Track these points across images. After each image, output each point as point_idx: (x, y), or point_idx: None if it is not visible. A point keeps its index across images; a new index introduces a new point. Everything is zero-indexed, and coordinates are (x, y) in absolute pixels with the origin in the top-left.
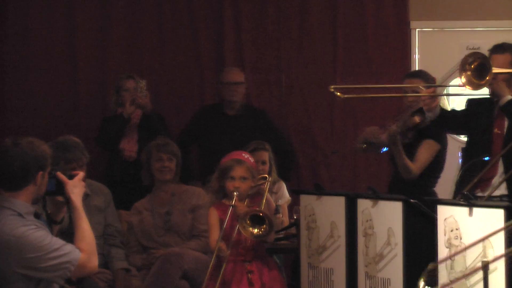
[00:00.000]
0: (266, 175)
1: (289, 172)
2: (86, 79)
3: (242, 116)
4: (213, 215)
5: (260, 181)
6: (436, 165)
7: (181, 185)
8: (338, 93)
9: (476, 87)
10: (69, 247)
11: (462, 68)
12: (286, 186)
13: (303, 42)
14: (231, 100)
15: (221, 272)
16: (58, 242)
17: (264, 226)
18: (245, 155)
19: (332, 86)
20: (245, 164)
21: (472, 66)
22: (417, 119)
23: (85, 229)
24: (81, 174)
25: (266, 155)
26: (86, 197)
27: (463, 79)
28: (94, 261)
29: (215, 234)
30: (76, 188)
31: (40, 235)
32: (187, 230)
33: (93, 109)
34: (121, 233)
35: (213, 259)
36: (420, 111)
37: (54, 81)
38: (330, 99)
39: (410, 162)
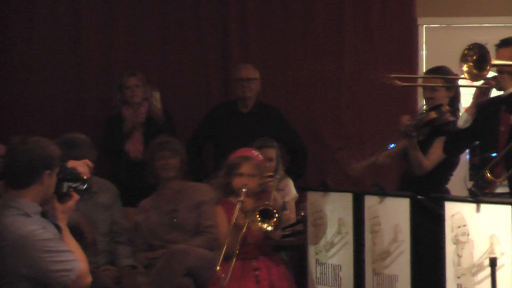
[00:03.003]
0: (272, 173)
1: (305, 169)
2: (91, 77)
3: (255, 113)
4: (219, 214)
5: (267, 179)
6: (450, 162)
7: (185, 182)
8: (399, 82)
9: (476, 78)
10: (72, 255)
11: (463, 59)
12: (293, 183)
13: (308, 39)
14: (244, 97)
15: (230, 269)
16: (63, 247)
17: (274, 220)
18: (254, 152)
19: (392, 75)
20: (254, 161)
21: (474, 58)
22: (433, 114)
23: (77, 248)
24: (75, 199)
25: (272, 152)
26: (92, 194)
27: (465, 68)
28: (89, 278)
29: (222, 230)
30: (64, 213)
31: (46, 236)
32: (193, 226)
33: (99, 108)
34: (127, 230)
35: (221, 258)
36: (437, 108)
37: (59, 80)
38: (336, 96)
39: (424, 157)
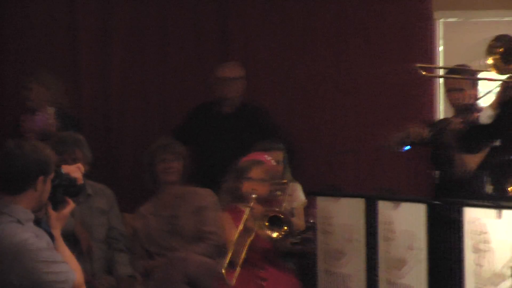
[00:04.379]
0: (285, 180)
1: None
2: (88, 78)
3: (239, 114)
4: (226, 221)
5: (279, 185)
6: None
7: (185, 187)
8: (424, 72)
9: (502, 71)
10: (67, 266)
11: (490, 51)
12: (302, 188)
13: (312, 36)
14: (225, 97)
15: (235, 275)
16: (57, 257)
17: (285, 228)
18: (267, 157)
19: (418, 64)
20: (265, 165)
21: (500, 50)
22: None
23: (71, 257)
24: (70, 206)
25: (280, 155)
26: (87, 198)
27: (490, 61)
28: None
29: (230, 239)
30: (58, 221)
31: (39, 246)
32: (193, 233)
33: (96, 109)
34: (125, 236)
35: (226, 261)
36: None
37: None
38: (344, 97)
39: (466, 157)
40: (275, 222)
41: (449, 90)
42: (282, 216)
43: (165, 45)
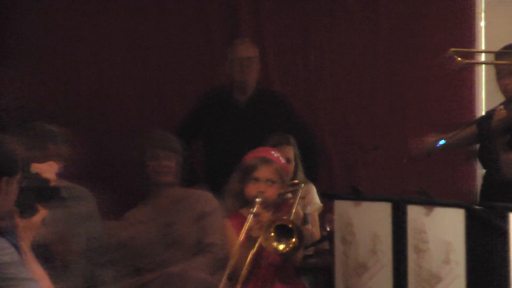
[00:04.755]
0: (297, 181)
1: (315, 172)
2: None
3: (256, 102)
4: (228, 229)
5: (290, 188)
6: None
7: (183, 189)
8: (459, 58)
9: None
10: (37, 284)
11: None
12: (316, 190)
13: (337, 14)
14: (243, 81)
15: None
16: (25, 273)
17: (293, 240)
18: (275, 154)
19: (452, 49)
20: (274, 164)
21: None
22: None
23: (43, 274)
24: (42, 213)
25: (291, 152)
26: (62, 201)
27: None
28: None
29: (231, 251)
30: (28, 231)
31: (3, 260)
32: (193, 244)
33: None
34: (109, 249)
35: (224, 278)
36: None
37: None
38: (371, 86)
39: None
40: (283, 232)
41: (498, 75)
42: (291, 226)
43: (164, 21)
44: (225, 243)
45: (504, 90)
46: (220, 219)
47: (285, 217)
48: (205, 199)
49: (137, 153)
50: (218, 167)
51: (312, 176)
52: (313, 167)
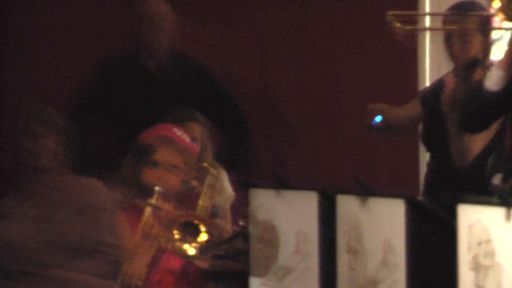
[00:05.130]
0: (207, 165)
1: (243, 157)
2: None
3: (170, 69)
4: (122, 224)
5: (195, 174)
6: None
7: (64, 175)
8: (398, 24)
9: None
10: None
11: None
12: (228, 177)
13: None
14: (151, 42)
15: None
16: None
17: (202, 240)
18: (178, 132)
19: (390, 12)
20: (177, 145)
21: None
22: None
23: None
24: None
25: (197, 129)
26: None
27: (497, 3)
28: None
29: (126, 252)
30: None
31: None
32: (76, 243)
33: None
34: None
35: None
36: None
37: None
38: (300, 56)
39: (468, 140)
40: (189, 229)
41: (447, 40)
42: (198, 222)
43: None
44: (120, 241)
45: (452, 55)
46: (112, 212)
47: (190, 213)
48: (91, 187)
49: (8, 130)
50: (122, 149)
51: (237, 163)
52: (239, 152)
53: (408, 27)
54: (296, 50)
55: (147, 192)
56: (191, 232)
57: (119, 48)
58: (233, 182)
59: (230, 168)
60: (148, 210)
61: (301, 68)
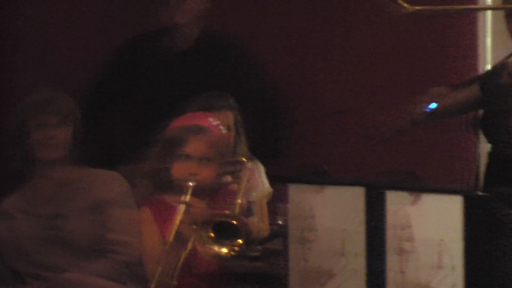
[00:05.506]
0: (243, 159)
1: (282, 149)
2: None
3: (198, 51)
4: (146, 219)
5: (231, 167)
6: None
7: (78, 168)
8: (405, 4)
9: None
10: None
11: None
12: (265, 171)
13: None
14: (174, 26)
15: None
16: None
17: (238, 241)
18: (213, 121)
19: None
20: (210, 135)
21: None
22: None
23: None
24: None
25: (230, 117)
26: None
27: None
28: None
29: (152, 250)
30: None
31: None
32: (89, 242)
33: None
34: None
35: None
36: None
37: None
38: (342, 38)
39: None
40: (223, 230)
41: (509, 17)
42: (235, 223)
43: None
44: (138, 240)
45: None
46: (129, 208)
47: (227, 212)
48: (108, 181)
49: (15, 119)
50: (146, 139)
51: (275, 152)
52: (277, 143)
53: (418, 7)
54: (340, 31)
55: (174, 187)
56: (227, 234)
57: (143, 29)
58: (270, 177)
59: (267, 161)
60: (181, 208)
61: (345, 50)
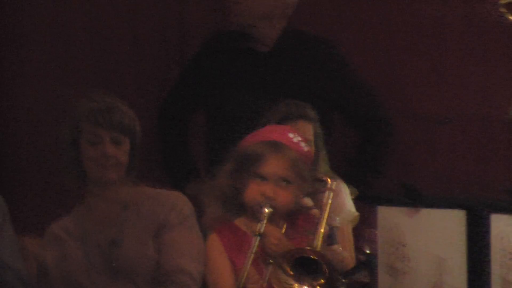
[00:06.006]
0: (327, 178)
1: (379, 167)
2: None
3: (285, 52)
4: (215, 249)
5: (312, 189)
6: None
7: (137, 189)
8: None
9: None
10: None
11: None
12: (350, 191)
13: None
14: (254, 26)
15: None
16: None
17: (320, 281)
18: (294, 137)
19: (503, 2)
20: (292, 154)
21: None
22: None
23: None
24: None
25: (309, 130)
26: None
27: None
28: None
29: (224, 285)
30: None
31: None
32: (148, 272)
33: None
34: (24, 280)
35: None
36: None
37: None
38: (439, 40)
39: None
40: (304, 266)
41: None
42: (316, 259)
43: None
44: (201, 269)
45: None
46: (192, 233)
47: (308, 247)
48: (172, 203)
49: (67, 130)
50: (210, 155)
51: (376, 170)
52: (377, 160)
53: None
54: (430, 39)
55: (247, 210)
56: (307, 269)
57: (229, 29)
58: (356, 198)
59: (351, 180)
60: (257, 240)
61: (436, 59)
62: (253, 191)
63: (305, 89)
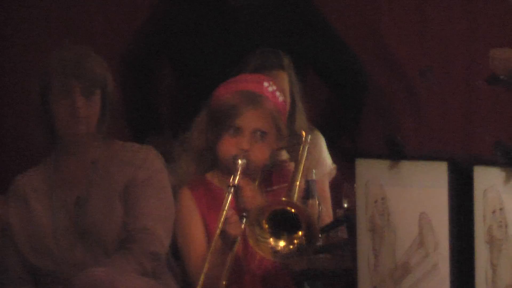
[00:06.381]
0: (302, 132)
1: (355, 124)
2: None
3: (260, 6)
4: (187, 204)
5: (287, 142)
6: None
7: (107, 144)
8: None
9: None
10: None
11: None
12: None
13: None
14: None
15: None
16: None
17: (298, 233)
18: (270, 86)
19: None
20: (266, 103)
21: None
22: None
23: None
24: None
25: (284, 80)
26: None
27: None
28: None
29: (195, 243)
30: None
31: None
32: (116, 231)
33: None
34: None
35: None
36: None
37: None
38: None
39: None
40: (279, 219)
41: None
42: (294, 211)
43: None
44: (170, 228)
45: None
46: (162, 190)
47: (284, 199)
48: (142, 159)
49: (37, 82)
50: (195, 106)
51: (351, 124)
52: (354, 118)
53: None
54: None
55: (220, 165)
56: (284, 224)
57: None
58: (334, 151)
59: (329, 132)
60: (231, 192)
61: (418, 6)
62: (228, 143)
63: (277, 43)
